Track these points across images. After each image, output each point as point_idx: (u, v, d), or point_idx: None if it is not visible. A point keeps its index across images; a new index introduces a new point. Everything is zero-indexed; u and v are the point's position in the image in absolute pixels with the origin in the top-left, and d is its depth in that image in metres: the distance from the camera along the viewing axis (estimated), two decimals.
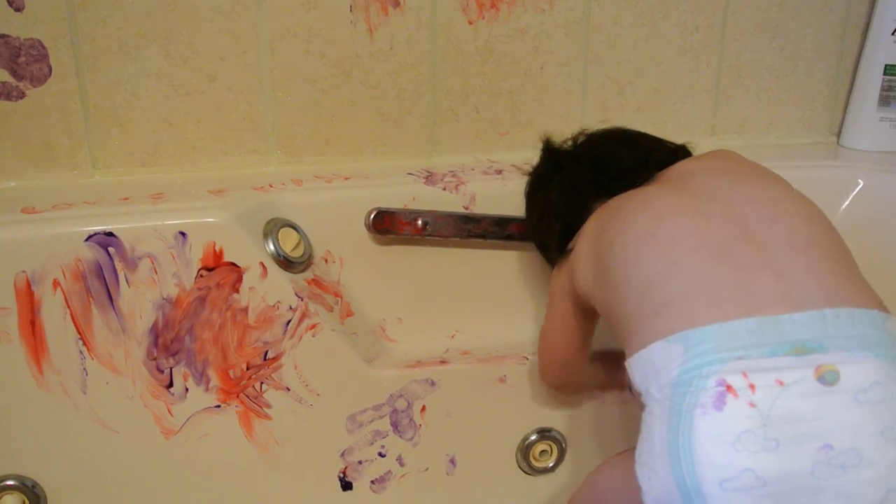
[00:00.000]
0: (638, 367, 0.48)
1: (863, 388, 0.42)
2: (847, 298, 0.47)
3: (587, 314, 0.68)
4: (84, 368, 0.70)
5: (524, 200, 0.77)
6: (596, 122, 0.93)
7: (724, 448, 0.42)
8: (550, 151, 0.75)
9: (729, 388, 0.42)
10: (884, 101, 0.97)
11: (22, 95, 0.76)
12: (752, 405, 0.42)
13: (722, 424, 0.42)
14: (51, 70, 0.76)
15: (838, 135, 1.02)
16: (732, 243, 0.50)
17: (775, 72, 0.97)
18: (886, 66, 0.96)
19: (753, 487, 0.41)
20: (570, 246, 0.67)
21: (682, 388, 0.44)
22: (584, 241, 0.63)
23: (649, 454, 0.46)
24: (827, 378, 0.42)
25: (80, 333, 0.69)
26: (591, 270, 0.60)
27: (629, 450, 0.53)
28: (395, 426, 0.78)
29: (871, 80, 0.97)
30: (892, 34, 0.95)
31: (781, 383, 0.42)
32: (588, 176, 0.69)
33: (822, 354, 0.43)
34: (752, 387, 0.42)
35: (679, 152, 0.70)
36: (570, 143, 0.75)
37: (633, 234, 0.54)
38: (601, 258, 0.58)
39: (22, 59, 0.75)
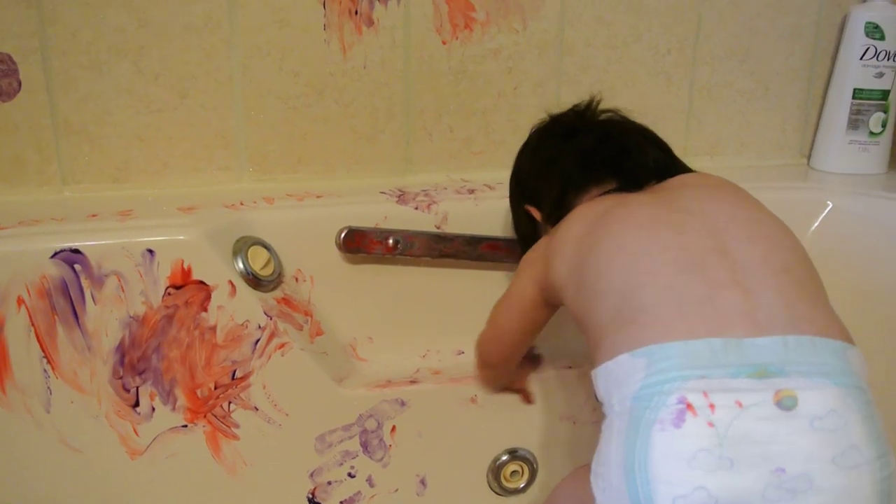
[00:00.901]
0: (603, 378, 0.49)
1: (819, 415, 0.43)
2: (811, 326, 0.47)
3: (547, 306, 0.68)
4: (48, 387, 0.69)
5: (530, 130, 0.77)
6: None
7: (679, 465, 0.42)
8: (587, 111, 0.74)
9: (689, 406, 0.43)
10: (852, 124, 0.99)
11: None
12: (711, 424, 0.42)
13: (679, 442, 0.43)
14: (20, 85, 0.75)
15: (808, 157, 1.04)
16: (706, 256, 0.51)
17: (746, 94, 0.99)
18: (855, 89, 0.98)
19: None
20: (553, 230, 0.66)
21: (642, 402, 0.44)
22: (567, 239, 0.61)
23: (605, 466, 0.46)
24: (785, 403, 0.43)
25: (44, 352, 0.68)
26: (570, 272, 0.59)
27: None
28: (365, 446, 0.77)
29: (840, 104, 0.99)
30: (861, 59, 0.97)
31: (740, 405, 0.43)
32: (609, 157, 0.67)
33: (782, 379, 0.44)
34: (711, 406, 0.43)
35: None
36: (599, 114, 0.73)
37: (614, 244, 0.55)
38: (582, 263, 0.57)
39: None
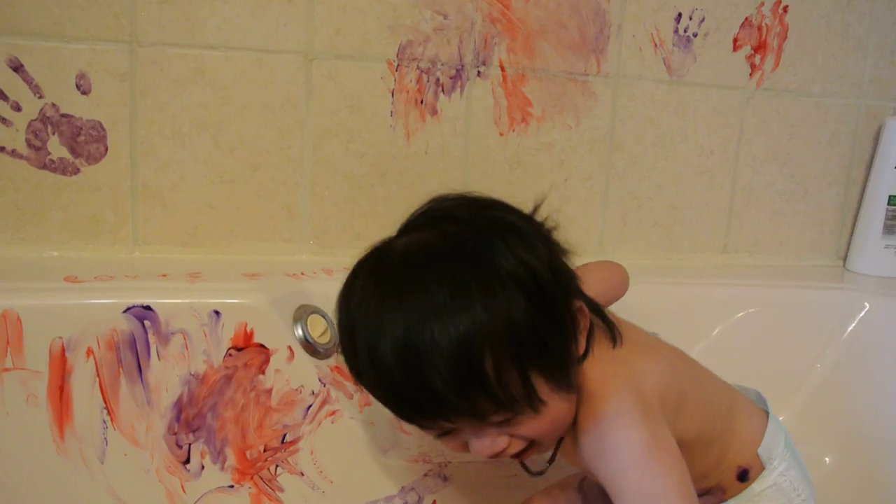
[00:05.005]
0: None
1: None
2: None
3: None
4: (105, 438, 0.71)
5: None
6: (615, 234, 0.97)
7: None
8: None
9: None
10: (888, 229, 1.02)
11: (76, 171, 0.80)
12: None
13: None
14: (107, 150, 0.81)
15: (844, 259, 1.06)
16: None
17: (786, 196, 1.02)
18: (890, 196, 1.01)
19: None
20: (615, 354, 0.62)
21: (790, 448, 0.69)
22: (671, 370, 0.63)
23: (804, 482, 0.67)
24: None
25: (105, 403, 0.71)
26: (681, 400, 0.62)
27: None
28: None
29: (875, 209, 1.02)
30: (895, 167, 1.01)
31: None
32: None
33: None
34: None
35: None
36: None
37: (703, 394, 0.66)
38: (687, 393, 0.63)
39: (82, 138, 0.80)
